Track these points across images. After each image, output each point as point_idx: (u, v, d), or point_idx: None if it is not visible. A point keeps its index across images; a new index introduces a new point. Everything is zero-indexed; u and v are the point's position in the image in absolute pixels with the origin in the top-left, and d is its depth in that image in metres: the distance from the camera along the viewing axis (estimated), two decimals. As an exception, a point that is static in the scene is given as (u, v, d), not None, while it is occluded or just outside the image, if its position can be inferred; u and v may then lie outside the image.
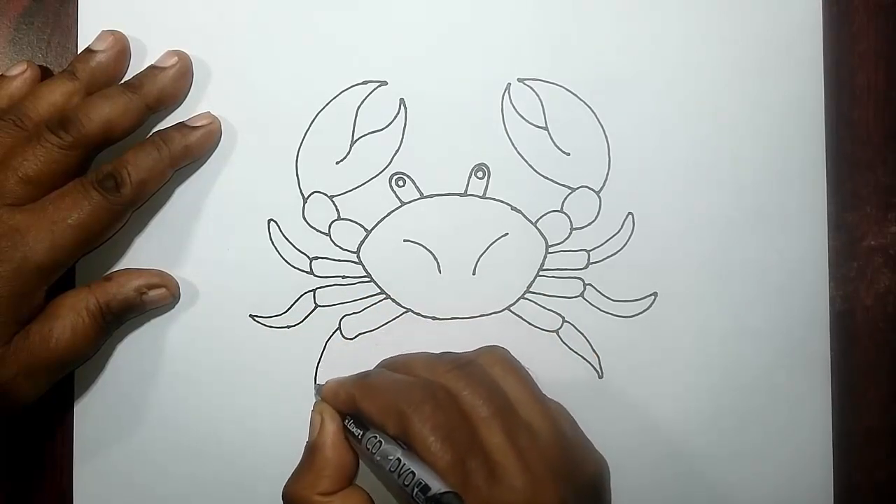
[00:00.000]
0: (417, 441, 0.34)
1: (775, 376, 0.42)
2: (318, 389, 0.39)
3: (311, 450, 0.37)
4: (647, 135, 0.42)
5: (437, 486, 0.31)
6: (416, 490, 0.32)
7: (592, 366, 0.42)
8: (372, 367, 0.40)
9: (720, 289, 0.42)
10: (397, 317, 0.42)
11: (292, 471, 0.37)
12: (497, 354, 0.38)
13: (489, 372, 0.37)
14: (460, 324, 0.42)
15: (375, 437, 0.35)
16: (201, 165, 0.42)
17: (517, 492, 0.33)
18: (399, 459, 0.33)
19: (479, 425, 0.34)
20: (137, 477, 0.42)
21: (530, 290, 0.42)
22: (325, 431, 0.37)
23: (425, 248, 0.42)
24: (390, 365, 0.39)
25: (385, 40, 0.42)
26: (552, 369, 0.42)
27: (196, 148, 0.41)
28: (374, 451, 0.35)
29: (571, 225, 0.42)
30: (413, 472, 0.32)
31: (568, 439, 0.36)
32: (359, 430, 0.36)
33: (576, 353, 0.42)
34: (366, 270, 0.42)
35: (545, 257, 0.42)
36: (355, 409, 0.36)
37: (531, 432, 0.35)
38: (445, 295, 0.42)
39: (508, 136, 0.42)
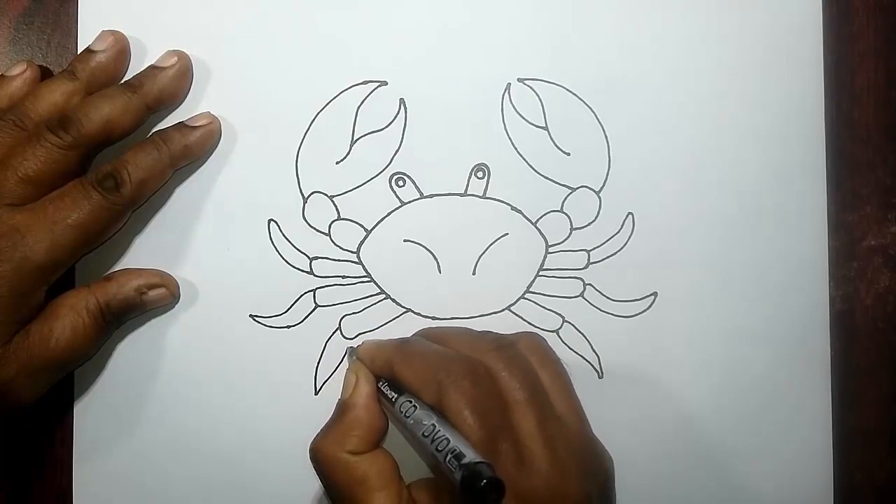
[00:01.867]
0: (453, 413, 0.34)
1: (775, 376, 0.42)
2: (352, 352, 0.40)
3: (343, 408, 0.37)
4: (647, 135, 0.42)
5: (470, 454, 0.31)
6: (449, 456, 0.32)
7: (592, 366, 0.42)
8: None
9: (720, 289, 0.42)
10: (397, 317, 0.42)
11: (295, 468, 0.37)
12: (536, 342, 0.38)
13: (528, 358, 0.37)
14: (460, 324, 0.42)
15: (410, 402, 0.35)
16: (201, 165, 0.42)
17: (543, 478, 0.33)
18: (434, 425, 0.33)
19: (514, 408, 0.35)
20: (137, 477, 0.42)
21: (530, 290, 0.42)
22: (358, 391, 0.37)
23: (425, 248, 0.42)
24: (428, 335, 0.39)
25: (385, 40, 0.42)
26: (552, 369, 0.42)
27: (196, 148, 0.41)
28: (407, 415, 0.35)
29: (571, 225, 0.42)
30: (448, 439, 0.32)
31: (588, 432, 0.37)
32: (393, 394, 0.36)
33: (576, 353, 0.42)
34: (366, 270, 0.42)
35: (545, 257, 0.42)
36: (391, 373, 0.36)
37: (561, 423, 0.35)
38: (445, 295, 0.42)
39: (508, 136, 0.42)
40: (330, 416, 0.37)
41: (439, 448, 0.32)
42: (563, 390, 0.37)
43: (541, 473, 0.33)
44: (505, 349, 0.36)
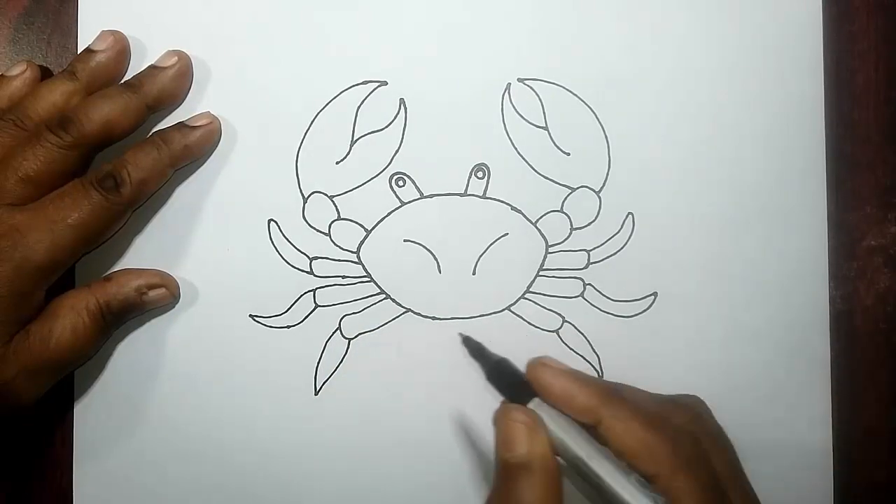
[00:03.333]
0: (681, 497, 0.29)
1: (775, 376, 0.42)
2: (493, 368, 0.32)
3: (518, 470, 0.30)
4: (647, 135, 0.42)
5: None
6: None
7: (592, 366, 0.42)
8: (378, 368, 0.39)
9: (720, 289, 0.42)
10: (397, 317, 0.42)
11: (295, 468, 0.37)
12: (706, 408, 0.35)
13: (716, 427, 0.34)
14: (460, 324, 0.42)
15: (611, 465, 0.29)
16: (201, 165, 0.42)
17: None
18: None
19: (728, 492, 0.31)
20: (137, 477, 0.42)
21: (530, 290, 0.42)
22: (536, 444, 0.30)
23: (425, 248, 0.42)
24: (616, 392, 0.33)
25: (385, 40, 0.42)
26: (552, 369, 0.42)
27: (196, 148, 0.41)
28: (603, 482, 0.29)
29: (571, 225, 0.42)
30: None
31: None
32: (586, 453, 0.29)
33: (576, 353, 0.42)
34: (366, 270, 0.42)
35: (545, 257, 0.42)
36: (594, 422, 0.31)
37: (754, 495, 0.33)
38: (445, 295, 0.42)
39: (508, 136, 0.42)
40: (493, 479, 0.31)
41: None
42: (740, 473, 0.34)
43: None
44: (699, 420, 0.33)
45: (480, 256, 0.42)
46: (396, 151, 0.42)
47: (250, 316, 0.42)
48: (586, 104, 0.43)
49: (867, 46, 0.44)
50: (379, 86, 0.42)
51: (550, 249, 0.42)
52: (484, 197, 0.42)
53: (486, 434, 0.36)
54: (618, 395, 0.32)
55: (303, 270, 0.42)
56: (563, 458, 0.30)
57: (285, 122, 0.42)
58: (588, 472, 0.29)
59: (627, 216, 0.42)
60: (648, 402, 0.33)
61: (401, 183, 0.42)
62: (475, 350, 0.33)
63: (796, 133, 0.43)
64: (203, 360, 0.42)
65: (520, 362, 0.35)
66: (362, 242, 0.42)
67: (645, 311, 0.42)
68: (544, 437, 0.30)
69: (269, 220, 0.42)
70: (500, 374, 0.32)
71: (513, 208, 0.42)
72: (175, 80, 0.41)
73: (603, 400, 0.31)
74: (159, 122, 0.42)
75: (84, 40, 0.42)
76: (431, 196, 0.42)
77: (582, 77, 0.42)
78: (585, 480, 0.29)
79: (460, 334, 0.34)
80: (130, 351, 0.42)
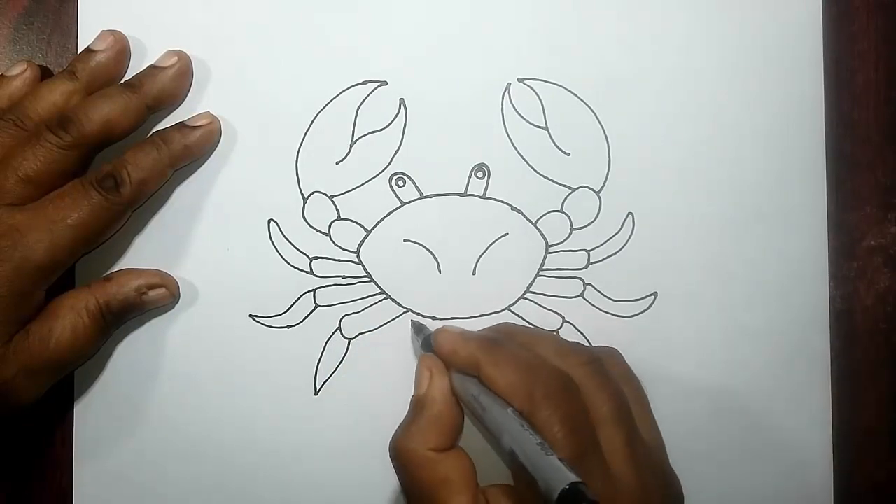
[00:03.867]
0: (544, 426, 0.33)
1: (775, 376, 0.42)
2: (425, 341, 0.38)
3: (422, 404, 0.36)
4: (647, 135, 0.42)
5: (567, 471, 0.30)
6: (543, 469, 0.31)
7: (592, 366, 0.42)
8: (378, 368, 0.40)
9: (720, 289, 0.42)
10: (397, 317, 0.42)
11: (295, 468, 0.37)
12: (619, 359, 0.38)
13: (614, 374, 0.36)
14: (460, 324, 0.42)
15: (497, 405, 0.34)
16: (201, 165, 0.42)
17: (630, 498, 0.33)
18: (524, 435, 0.32)
19: (603, 426, 0.34)
20: (137, 477, 0.42)
21: (530, 290, 0.42)
22: (435, 385, 0.36)
23: (425, 248, 0.42)
24: (513, 335, 0.38)
25: (385, 40, 0.42)
26: (552, 369, 0.42)
27: (196, 148, 0.41)
28: (493, 418, 0.34)
29: (571, 225, 0.42)
30: (540, 452, 0.31)
31: (666, 457, 0.36)
32: (475, 391, 0.35)
33: (576, 353, 0.42)
34: (366, 270, 0.42)
35: (545, 257, 0.42)
36: (476, 371, 0.35)
37: (644, 443, 0.35)
38: (445, 295, 0.42)
39: (508, 136, 0.42)
40: (406, 413, 0.36)
41: (531, 461, 0.31)
42: (644, 409, 0.36)
43: (627, 493, 0.33)
44: (594, 364, 0.36)
45: (480, 256, 0.42)
46: (396, 151, 0.42)
47: (250, 316, 0.42)
48: (586, 104, 0.43)
49: (867, 46, 0.44)
50: (379, 86, 0.42)
51: (550, 249, 0.42)
52: (484, 197, 0.42)
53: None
54: (496, 344, 0.36)
55: (303, 270, 0.42)
56: (461, 397, 0.36)
57: (285, 122, 0.42)
58: (477, 406, 0.34)
59: (627, 216, 0.42)
60: (544, 347, 0.37)
61: (401, 183, 0.42)
62: (416, 327, 0.41)
63: (796, 133, 0.43)
64: (203, 360, 0.42)
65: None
66: (362, 242, 0.42)
67: (645, 311, 0.42)
68: (444, 380, 0.36)
69: (269, 220, 0.42)
70: (426, 340, 0.38)
71: (513, 208, 0.42)
72: (175, 80, 0.41)
73: (482, 351, 0.35)
74: (159, 122, 0.42)
75: (84, 40, 0.42)
76: (431, 196, 0.42)
77: (582, 77, 0.42)
78: (476, 415, 0.35)
79: (412, 321, 0.41)
80: (130, 351, 0.42)
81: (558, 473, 0.30)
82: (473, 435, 0.37)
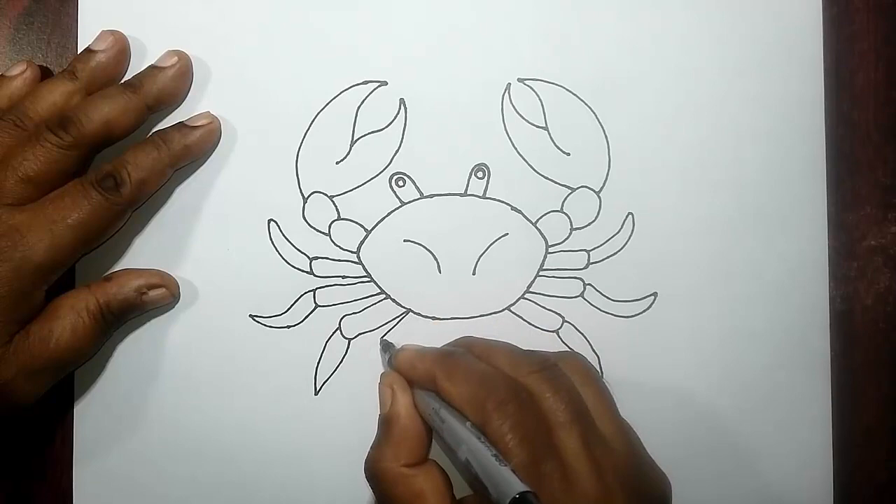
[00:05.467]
0: (497, 436, 0.33)
1: (775, 376, 0.42)
2: (389, 359, 0.39)
3: (388, 422, 0.36)
4: (647, 135, 0.43)
5: (516, 482, 0.31)
6: (495, 481, 0.31)
7: (592, 366, 0.42)
8: (378, 368, 0.40)
9: (720, 289, 0.42)
10: (397, 317, 0.42)
11: (295, 468, 0.37)
12: (578, 362, 0.38)
13: (570, 378, 0.36)
14: (460, 324, 0.42)
15: (453, 418, 0.34)
16: (201, 165, 0.42)
17: (590, 499, 0.33)
18: (478, 446, 0.33)
19: (557, 430, 0.34)
20: (137, 477, 0.42)
21: (530, 290, 0.42)
22: (398, 402, 0.36)
23: (425, 248, 0.42)
24: (470, 347, 0.38)
25: (385, 40, 0.42)
26: (552, 369, 0.42)
27: (196, 148, 0.41)
28: (449, 432, 0.34)
29: (571, 225, 0.42)
30: (493, 463, 0.32)
31: (639, 455, 0.36)
32: (435, 405, 0.35)
33: (576, 353, 0.42)
34: (366, 270, 0.42)
35: (545, 257, 0.42)
36: (433, 386, 0.36)
37: (605, 443, 0.35)
38: (445, 295, 0.42)
39: (508, 136, 0.42)
40: (376, 432, 0.37)
41: (484, 471, 0.32)
42: (606, 410, 0.36)
43: (587, 495, 0.33)
44: (548, 370, 0.36)
45: (480, 256, 0.42)
46: (396, 151, 0.42)
47: (250, 316, 0.42)
48: (586, 104, 0.43)
49: (867, 46, 0.44)
50: (379, 86, 0.42)
51: (550, 249, 0.42)
52: (484, 197, 0.42)
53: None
54: (451, 357, 0.36)
55: (303, 270, 0.42)
56: (423, 412, 0.36)
57: (285, 122, 0.42)
58: (437, 420, 0.35)
59: (627, 216, 0.42)
60: (498, 358, 0.37)
61: (401, 183, 0.42)
62: (384, 345, 0.41)
63: (796, 133, 0.43)
64: (203, 360, 0.42)
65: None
66: (362, 242, 0.42)
67: (645, 311, 0.42)
68: (407, 395, 0.36)
69: (269, 220, 0.42)
70: (391, 359, 0.39)
71: (513, 208, 0.42)
72: (175, 80, 0.41)
73: (438, 365, 0.36)
74: (159, 122, 0.42)
75: (84, 40, 0.42)
76: (431, 196, 0.42)
77: (582, 77, 0.42)
78: (436, 429, 0.35)
79: (381, 339, 0.42)
80: (130, 351, 0.42)
81: (508, 483, 0.31)
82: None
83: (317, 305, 0.42)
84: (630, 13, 0.43)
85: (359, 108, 0.42)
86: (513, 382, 0.35)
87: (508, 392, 0.34)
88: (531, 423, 0.34)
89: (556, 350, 0.40)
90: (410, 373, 0.37)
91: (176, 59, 0.41)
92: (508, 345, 0.38)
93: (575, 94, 0.42)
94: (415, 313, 0.42)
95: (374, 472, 0.35)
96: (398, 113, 0.42)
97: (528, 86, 0.42)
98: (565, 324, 0.42)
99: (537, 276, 0.42)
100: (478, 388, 0.34)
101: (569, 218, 0.42)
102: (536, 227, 0.42)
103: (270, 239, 0.42)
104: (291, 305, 0.42)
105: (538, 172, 0.42)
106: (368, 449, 0.36)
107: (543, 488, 0.32)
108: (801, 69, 0.43)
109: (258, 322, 0.42)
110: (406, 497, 0.34)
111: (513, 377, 0.35)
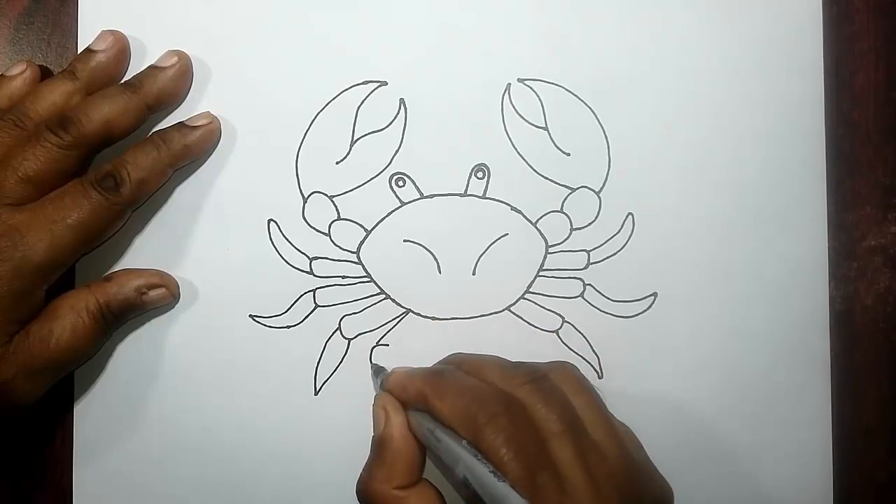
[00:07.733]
0: (490, 451, 0.33)
1: (775, 376, 0.42)
2: (381, 382, 0.38)
3: (381, 444, 0.36)
4: (647, 135, 0.43)
5: (514, 497, 0.31)
6: (491, 496, 0.31)
7: (592, 366, 0.42)
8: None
9: (720, 289, 0.42)
10: (397, 317, 0.42)
11: (295, 468, 0.37)
12: (569, 372, 0.37)
13: (561, 388, 0.36)
14: (460, 324, 0.42)
15: (446, 436, 0.34)
16: (201, 165, 0.42)
17: None
18: (473, 462, 0.33)
19: (551, 440, 0.34)
20: (137, 477, 0.42)
21: (530, 290, 0.42)
22: (391, 424, 0.36)
23: (425, 248, 0.42)
24: (461, 364, 0.38)
25: (385, 40, 0.42)
26: (552, 369, 0.42)
27: (196, 147, 0.41)
28: (444, 450, 0.34)
29: (571, 225, 0.42)
30: (489, 477, 0.32)
31: (635, 462, 0.36)
32: (429, 426, 0.35)
33: (576, 353, 0.42)
34: (366, 270, 0.42)
35: (545, 257, 0.42)
36: (425, 405, 0.35)
37: (600, 452, 0.35)
38: (445, 295, 0.42)
39: (508, 136, 0.42)
40: (369, 453, 0.37)
41: (483, 488, 0.32)
42: (599, 418, 0.36)
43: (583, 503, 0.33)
44: (538, 381, 0.36)
45: (480, 256, 0.42)
46: (396, 151, 0.42)
47: (250, 316, 0.42)
48: (586, 104, 0.43)
49: (867, 46, 0.44)
50: (379, 86, 0.42)
51: (550, 249, 0.42)
52: (484, 197, 0.42)
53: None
54: (441, 376, 0.36)
55: (303, 270, 0.42)
56: (418, 433, 0.35)
57: (285, 122, 0.42)
58: (433, 440, 0.34)
59: (627, 216, 0.42)
60: (487, 372, 0.36)
61: (401, 183, 0.42)
62: (375, 369, 0.40)
63: (796, 133, 0.43)
64: (203, 360, 0.42)
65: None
66: (362, 242, 0.42)
67: (645, 311, 0.42)
68: (400, 417, 0.36)
69: (269, 220, 0.42)
70: (383, 381, 0.38)
71: (513, 208, 0.42)
72: (175, 80, 0.41)
73: (427, 384, 0.35)
74: (159, 122, 0.42)
75: (84, 40, 0.42)
76: (431, 196, 0.42)
77: (582, 77, 0.42)
78: (432, 449, 0.35)
79: (372, 364, 0.42)
80: (130, 351, 0.42)
81: (507, 499, 0.31)
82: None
83: (317, 305, 0.42)
84: (630, 13, 0.43)
85: (359, 108, 0.42)
86: (504, 395, 0.35)
87: (500, 405, 0.34)
88: (524, 436, 0.34)
89: (555, 350, 0.40)
90: (402, 394, 0.37)
91: (176, 59, 0.41)
92: (498, 358, 0.38)
93: (575, 95, 0.42)
94: (415, 313, 0.42)
95: (366, 494, 0.35)
96: (398, 113, 0.42)
97: (527, 86, 0.42)
98: (565, 324, 0.42)
99: (537, 276, 0.42)
100: (469, 404, 0.34)
101: (569, 218, 0.42)
102: (536, 228, 0.42)
103: (270, 239, 0.42)
104: (291, 305, 0.42)
105: (538, 172, 0.42)
106: (368, 446, 0.36)
107: (540, 500, 0.32)
108: (801, 69, 0.43)
109: (258, 322, 0.42)
110: None
111: (504, 390, 0.35)
